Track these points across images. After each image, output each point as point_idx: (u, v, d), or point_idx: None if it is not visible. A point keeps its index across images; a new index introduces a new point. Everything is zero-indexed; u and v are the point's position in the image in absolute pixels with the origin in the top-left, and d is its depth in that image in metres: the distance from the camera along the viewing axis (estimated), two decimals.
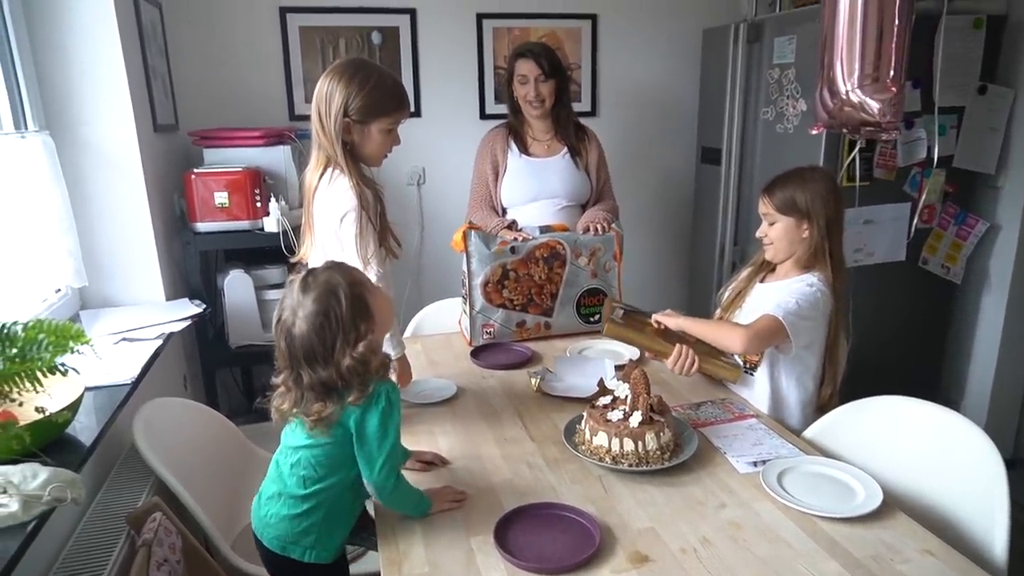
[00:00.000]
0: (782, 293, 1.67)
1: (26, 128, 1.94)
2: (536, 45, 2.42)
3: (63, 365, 1.26)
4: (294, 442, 1.23)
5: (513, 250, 2.09)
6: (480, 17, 3.08)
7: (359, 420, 1.19)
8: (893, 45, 1.67)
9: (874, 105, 1.68)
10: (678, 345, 1.67)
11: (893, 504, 1.30)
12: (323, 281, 1.19)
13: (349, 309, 1.18)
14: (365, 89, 1.64)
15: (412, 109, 3.06)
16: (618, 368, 1.81)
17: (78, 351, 1.27)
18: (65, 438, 1.38)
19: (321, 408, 1.17)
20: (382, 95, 1.67)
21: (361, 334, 1.19)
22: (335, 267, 1.23)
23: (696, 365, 1.67)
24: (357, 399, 1.18)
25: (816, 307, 1.65)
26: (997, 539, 1.28)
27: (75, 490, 1.17)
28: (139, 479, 1.66)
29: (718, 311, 1.90)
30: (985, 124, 2.65)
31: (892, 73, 1.68)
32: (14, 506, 1.10)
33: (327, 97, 1.64)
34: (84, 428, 1.43)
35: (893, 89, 1.67)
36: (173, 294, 2.35)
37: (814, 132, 2.03)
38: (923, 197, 2.52)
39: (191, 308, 2.21)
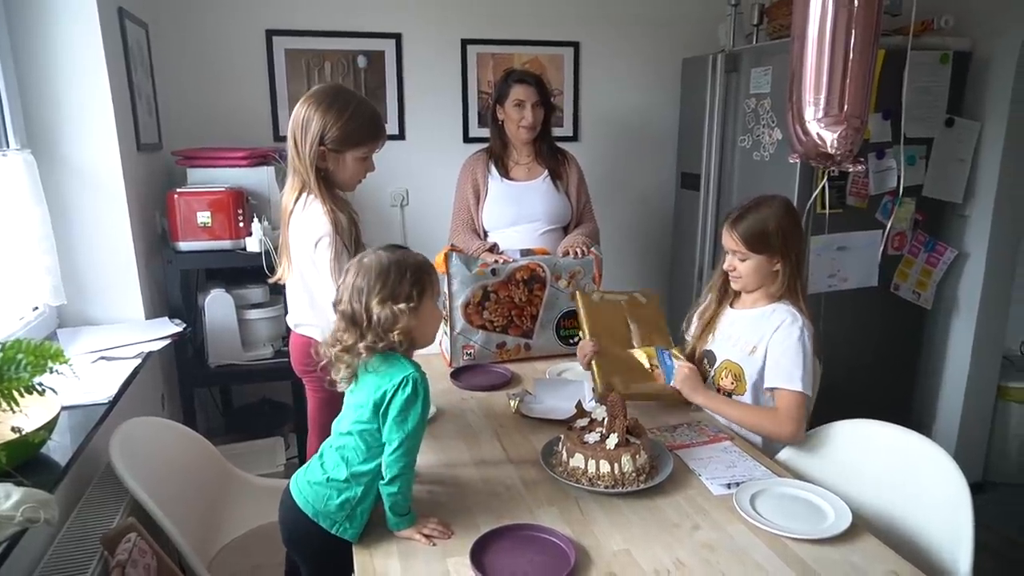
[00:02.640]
0: (781, 345, 1.66)
1: (7, 146, 1.94)
2: (531, 73, 2.47)
3: (40, 384, 1.25)
4: (340, 429, 1.32)
5: (494, 272, 2.11)
6: (464, 43, 3.14)
7: (384, 401, 1.25)
8: (848, 80, 1.73)
9: (827, 137, 1.74)
10: (594, 341, 1.79)
11: (862, 526, 1.32)
12: (415, 253, 1.35)
13: (413, 279, 1.29)
14: (342, 119, 1.66)
15: (397, 132, 3.11)
16: (595, 390, 1.83)
17: (56, 371, 1.26)
18: (40, 458, 1.37)
19: (343, 338, 1.27)
20: (358, 125, 1.69)
21: (404, 300, 1.27)
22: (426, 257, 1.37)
23: (587, 359, 1.77)
24: (368, 348, 1.26)
25: (813, 351, 1.66)
26: (962, 561, 1.31)
27: (48, 511, 1.16)
28: (114, 499, 1.64)
29: (690, 340, 1.92)
30: (953, 155, 2.74)
31: (847, 107, 1.74)
32: None
33: (303, 124, 1.67)
34: (59, 447, 1.42)
35: (845, 123, 1.73)
36: (153, 313, 2.34)
37: (792, 160, 2.09)
38: (890, 224, 2.59)
39: (171, 327, 2.21)
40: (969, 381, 2.90)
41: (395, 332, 1.27)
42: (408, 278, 1.28)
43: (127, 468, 1.57)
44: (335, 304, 1.31)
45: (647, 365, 1.79)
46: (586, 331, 1.86)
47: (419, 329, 1.32)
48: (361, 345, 1.26)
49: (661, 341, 1.87)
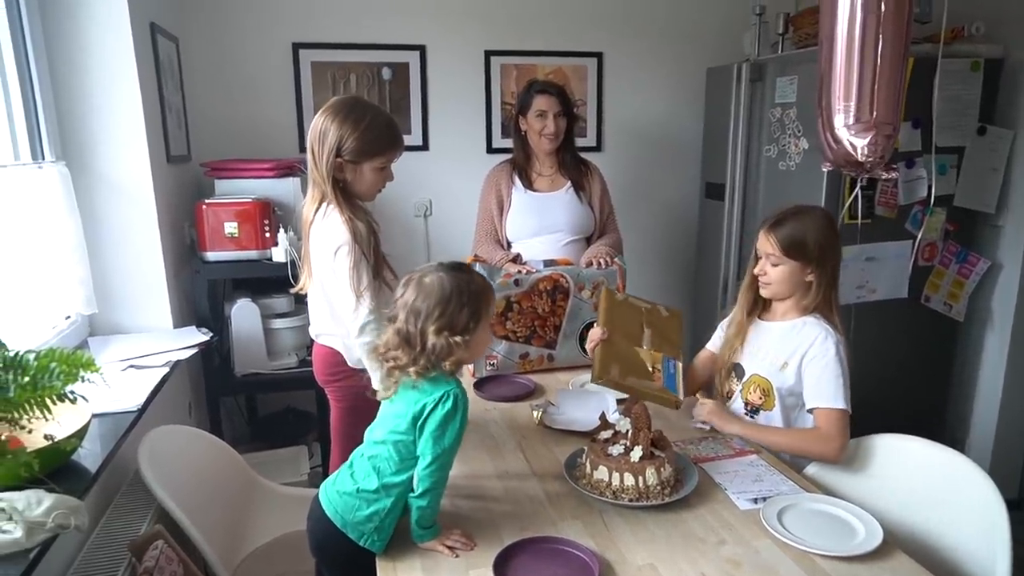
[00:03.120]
0: (819, 363, 1.62)
1: (43, 158, 1.98)
2: (553, 83, 2.47)
3: (72, 393, 1.28)
4: (374, 438, 1.32)
5: (517, 283, 2.11)
6: (488, 54, 3.15)
7: (423, 414, 1.25)
8: (877, 86, 1.71)
9: (858, 144, 1.71)
10: (605, 330, 1.74)
11: (893, 543, 1.29)
12: (475, 274, 1.33)
13: (471, 308, 1.27)
14: (358, 131, 1.67)
15: (421, 143, 3.14)
16: (619, 403, 1.82)
17: (87, 379, 1.29)
18: (70, 464, 1.39)
19: (397, 356, 1.26)
20: (374, 136, 1.70)
21: (460, 332, 1.26)
22: (486, 279, 1.37)
23: (593, 345, 1.75)
24: (418, 373, 1.25)
25: (847, 364, 1.63)
26: None
27: (78, 517, 1.18)
28: (142, 507, 1.66)
29: (710, 348, 1.91)
30: (985, 164, 2.68)
31: (876, 114, 1.71)
32: (18, 532, 1.11)
33: (320, 136, 1.69)
34: (89, 454, 1.44)
35: (875, 129, 1.71)
36: (181, 322, 2.38)
37: (825, 168, 2.07)
38: (921, 235, 2.54)
39: (198, 336, 2.24)
40: (1004, 395, 2.83)
41: (448, 362, 1.27)
42: (467, 309, 1.27)
43: (155, 476, 1.59)
44: (391, 318, 1.30)
45: (649, 367, 1.77)
46: (600, 321, 1.84)
47: (470, 355, 1.34)
48: (412, 369, 1.25)
49: (671, 353, 1.83)
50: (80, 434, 1.35)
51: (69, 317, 2.07)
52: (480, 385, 2.06)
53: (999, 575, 1.28)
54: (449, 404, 1.24)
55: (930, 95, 2.36)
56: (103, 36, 2.07)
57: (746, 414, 1.74)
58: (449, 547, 1.27)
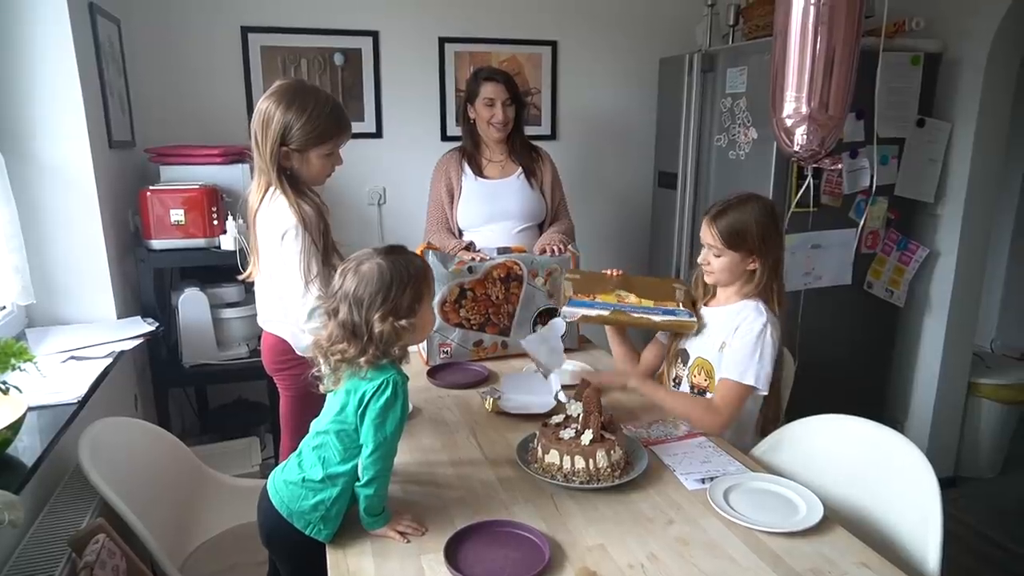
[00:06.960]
0: (741, 338, 1.67)
1: None
2: (500, 71, 2.47)
3: (4, 383, 1.23)
4: (318, 428, 1.30)
5: (471, 270, 2.10)
6: (442, 41, 3.13)
7: (363, 404, 1.24)
8: (817, 78, 1.75)
9: (796, 134, 1.76)
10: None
11: (833, 519, 1.34)
12: (411, 255, 1.31)
13: (413, 290, 1.27)
14: (302, 119, 1.63)
15: (374, 131, 3.10)
16: (567, 388, 1.83)
17: (21, 368, 1.24)
18: (5, 458, 1.35)
19: (344, 349, 1.23)
20: (319, 124, 1.66)
21: (404, 315, 1.26)
22: (422, 259, 1.37)
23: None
24: (368, 362, 1.23)
25: (775, 348, 1.67)
26: (931, 553, 1.32)
27: (13, 512, 1.15)
28: (84, 502, 1.61)
29: (664, 337, 1.94)
30: (924, 155, 2.78)
31: (814, 104, 1.76)
32: None
33: (264, 124, 1.64)
34: (27, 448, 1.40)
35: (810, 119, 1.75)
36: (125, 312, 2.31)
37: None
38: (863, 223, 2.62)
39: (143, 326, 2.18)
40: (941, 377, 2.95)
41: (396, 347, 1.27)
42: (409, 291, 1.26)
43: (97, 469, 1.54)
44: (332, 311, 1.27)
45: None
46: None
47: (417, 337, 1.34)
48: (363, 360, 1.23)
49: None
50: (15, 427, 1.30)
51: (4, 308, 1.99)
52: (433, 372, 2.05)
53: (931, 548, 1.33)
54: (388, 392, 1.23)
55: (872, 87, 2.43)
56: (39, 15, 1.98)
57: (696, 394, 1.77)
58: (400, 532, 1.27)
